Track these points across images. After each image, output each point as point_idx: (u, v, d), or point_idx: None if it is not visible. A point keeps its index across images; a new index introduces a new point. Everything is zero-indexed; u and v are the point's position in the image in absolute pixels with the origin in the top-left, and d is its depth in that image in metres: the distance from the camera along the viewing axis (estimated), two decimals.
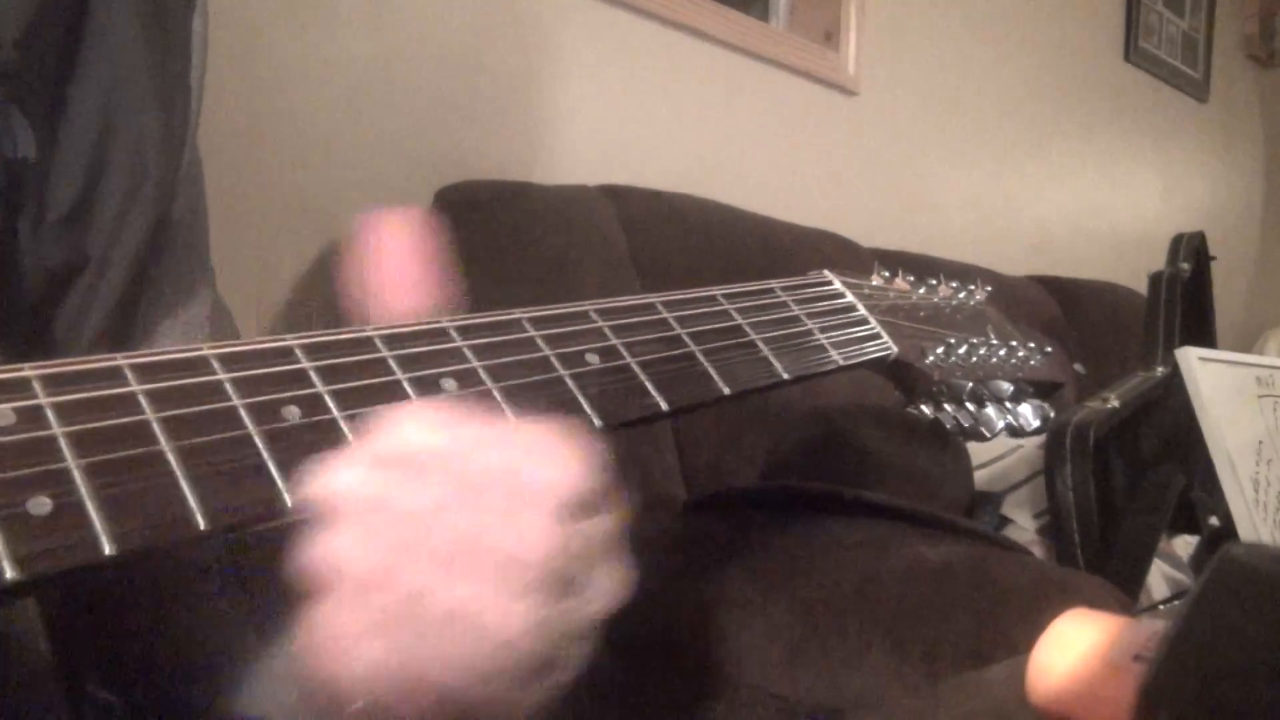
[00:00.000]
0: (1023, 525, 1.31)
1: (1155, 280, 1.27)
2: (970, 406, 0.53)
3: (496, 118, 1.36)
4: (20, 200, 0.38)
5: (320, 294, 1.18)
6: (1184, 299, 1.24)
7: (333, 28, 1.18)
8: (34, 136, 0.38)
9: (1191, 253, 1.29)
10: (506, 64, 1.37)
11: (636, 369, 0.35)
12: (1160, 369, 1.15)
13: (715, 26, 1.64)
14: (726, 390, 0.37)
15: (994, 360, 0.54)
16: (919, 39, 2.14)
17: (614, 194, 1.29)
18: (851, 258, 1.58)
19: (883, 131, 2.05)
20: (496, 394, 0.31)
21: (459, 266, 1.25)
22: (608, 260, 1.20)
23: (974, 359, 0.53)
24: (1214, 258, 1.36)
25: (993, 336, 0.56)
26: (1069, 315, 2.14)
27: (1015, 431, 0.55)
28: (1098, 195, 2.86)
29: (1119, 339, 2.06)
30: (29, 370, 0.24)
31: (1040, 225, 2.60)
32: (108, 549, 0.22)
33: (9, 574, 0.21)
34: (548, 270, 1.13)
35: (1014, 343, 0.57)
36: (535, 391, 0.32)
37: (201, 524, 0.23)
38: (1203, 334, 1.32)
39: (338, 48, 1.19)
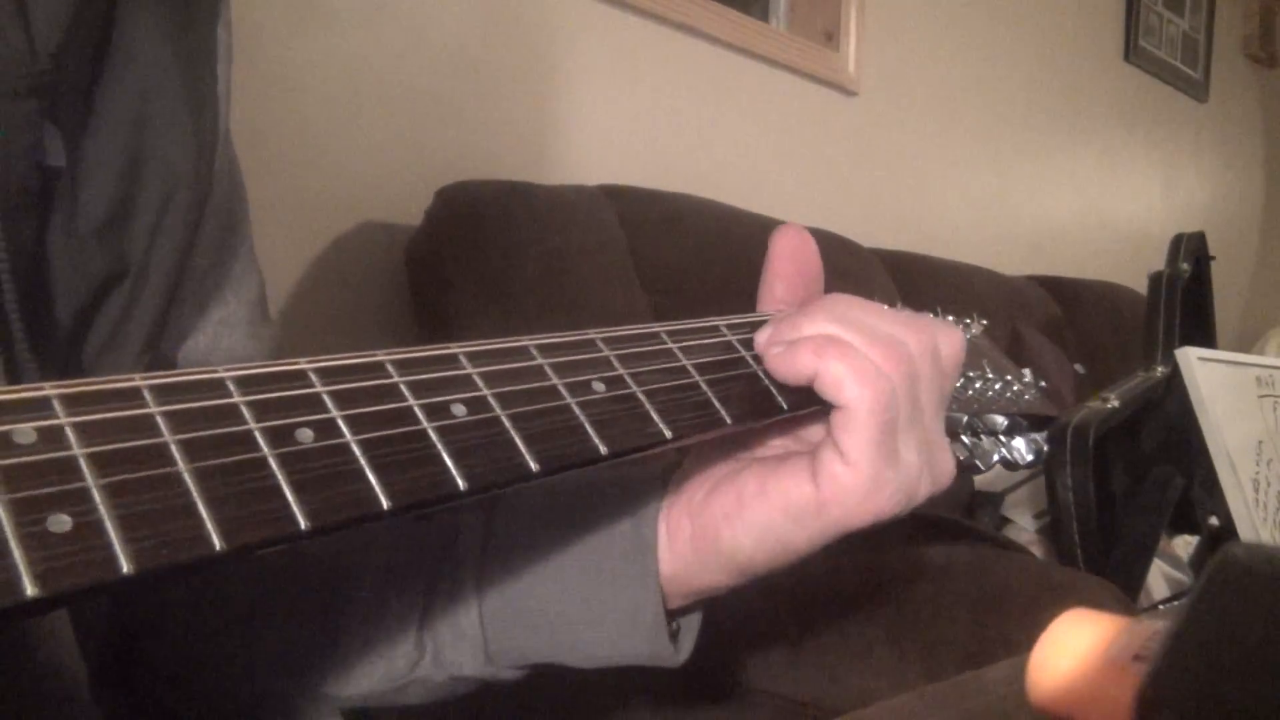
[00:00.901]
0: (1023, 525, 1.31)
1: (1155, 280, 1.27)
2: (965, 439, 0.53)
3: (496, 118, 1.36)
4: (50, 208, 0.38)
5: (320, 294, 1.18)
6: (1184, 299, 1.24)
7: (333, 28, 1.18)
8: (64, 145, 0.38)
9: (1191, 253, 1.29)
10: (507, 64, 1.37)
11: (642, 398, 0.35)
12: (1160, 369, 1.15)
13: (715, 27, 1.64)
14: (729, 421, 0.37)
15: (989, 394, 0.55)
16: (919, 39, 2.14)
17: (614, 194, 1.29)
18: (852, 258, 1.58)
19: (883, 131, 2.05)
20: (505, 420, 0.31)
21: (459, 266, 1.25)
22: (608, 260, 1.20)
23: (970, 392, 0.53)
24: (1214, 258, 1.36)
25: (988, 370, 0.56)
26: (1069, 315, 2.14)
27: (1010, 465, 0.56)
28: (1098, 195, 2.87)
29: (1119, 339, 2.06)
30: (49, 389, 0.24)
31: (1040, 225, 2.60)
32: (125, 567, 0.22)
33: (29, 590, 0.21)
34: (548, 270, 1.13)
35: (1009, 376, 0.57)
36: (542, 419, 0.32)
37: (218, 544, 0.24)
38: (1203, 334, 1.32)
39: (338, 48, 1.19)
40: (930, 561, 0.89)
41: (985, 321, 0.62)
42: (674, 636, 0.44)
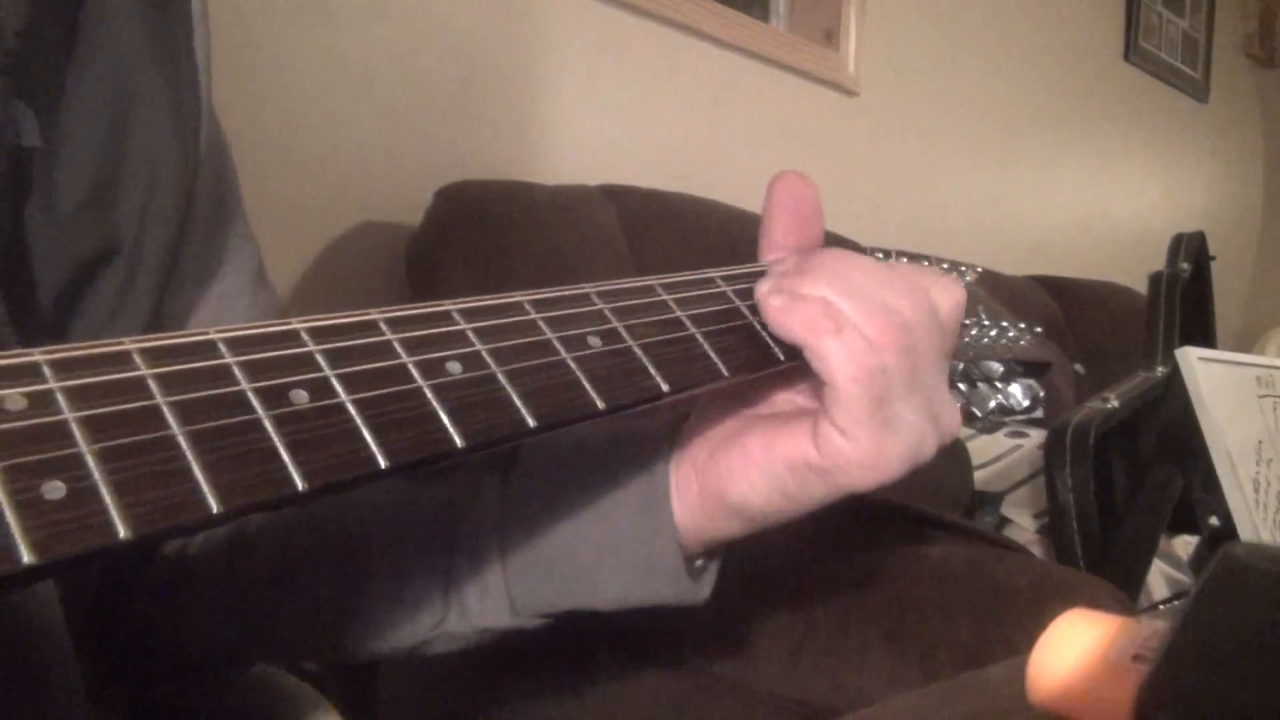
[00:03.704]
0: (1023, 525, 1.31)
1: (1155, 280, 1.27)
2: (962, 386, 0.53)
3: (496, 118, 1.36)
4: (26, 188, 0.38)
5: (320, 294, 1.18)
6: (1184, 299, 1.24)
7: (333, 27, 1.18)
8: (37, 124, 0.38)
9: (1191, 253, 1.29)
10: (506, 64, 1.37)
11: (638, 351, 0.35)
12: (1160, 369, 1.15)
13: (715, 26, 1.64)
14: (726, 373, 0.37)
15: (985, 341, 0.55)
16: (919, 39, 2.14)
17: (614, 194, 1.29)
18: None
19: (883, 131, 2.05)
20: (500, 377, 0.31)
21: (459, 267, 1.24)
22: (607, 260, 1.20)
23: (965, 339, 0.53)
24: (1214, 258, 1.36)
25: (984, 317, 0.56)
26: (1069, 315, 2.14)
27: (1006, 410, 0.56)
28: (1098, 195, 2.87)
29: (1119, 339, 2.06)
30: (38, 355, 0.24)
31: (1040, 225, 2.60)
32: (122, 532, 0.22)
33: (25, 558, 0.21)
34: (547, 271, 1.13)
35: (1004, 323, 0.57)
36: (538, 374, 0.32)
37: (214, 507, 0.24)
38: (1203, 334, 1.32)
39: (338, 47, 1.19)
40: (930, 561, 0.89)
41: (980, 269, 0.62)
42: (695, 576, 0.45)
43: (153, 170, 0.42)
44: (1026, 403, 0.57)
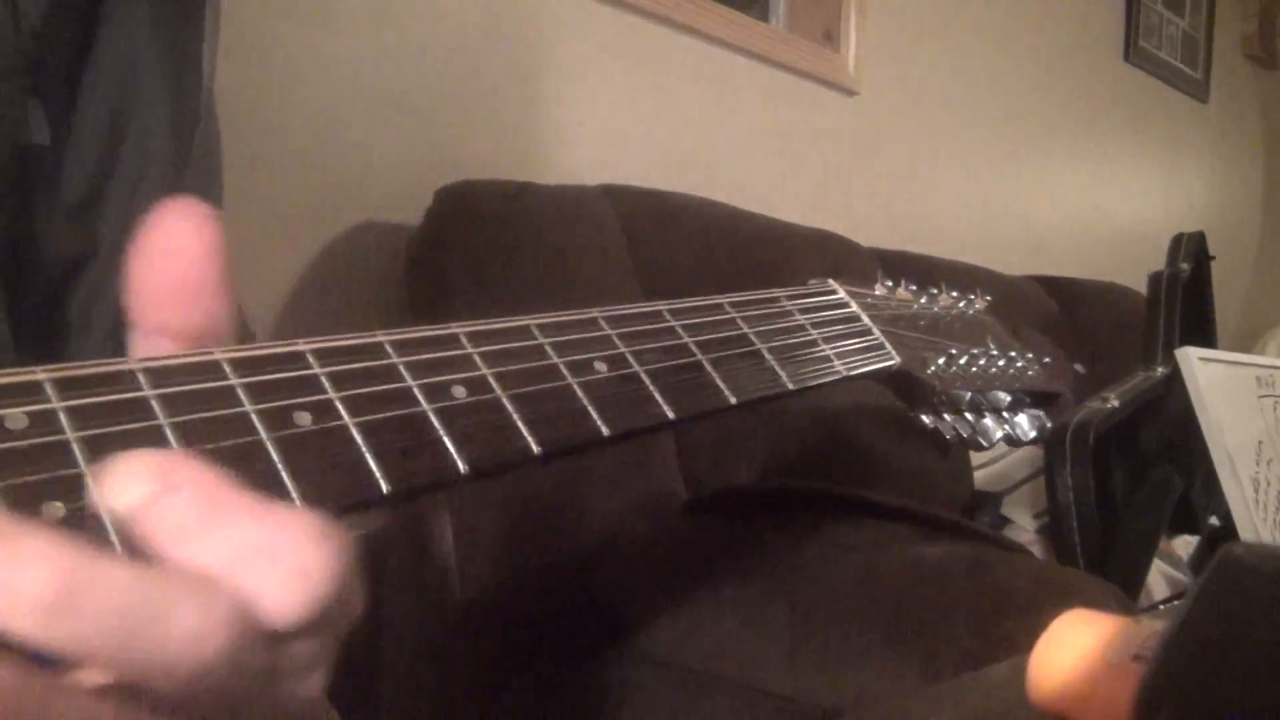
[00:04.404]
0: (1023, 525, 1.31)
1: (1155, 280, 1.27)
2: (969, 416, 0.53)
3: (496, 118, 1.36)
4: (35, 186, 0.38)
5: (320, 294, 1.18)
6: (1184, 299, 1.24)
7: (334, 28, 1.18)
8: (48, 123, 0.38)
9: (1191, 253, 1.30)
10: (506, 64, 1.37)
11: (645, 378, 0.35)
12: (1160, 369, 1.15)
13: (715, 26, 1.64)
14: (733, 400, 0.37)
15: (993, 371, 0.55)
16: (919, 39, 2.14)
17: (614, 194, 1.29)
18: (851, 258, 1.58)
19: (883, 131, 2.05)
20: (506, 402, 0.31)
21: (459, 266, 1.24)
22: (607, 260, 1.20)
23: (974, 369, 0.53)
24: (1214, 258, 1.36)
25: (992, 347, 0.56)
26: (1069, 315, 2.14)
27: (1012, 441, 0.56)
28: (1098, 195, 2.87)
29: (1119, 339, 2.06)
30: (42, 373, 0.23)
31: (1040, 225, 2.60)
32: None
33: None
34: (547, 270, 1.13)
35: (1013, 353, 0.57)
36: (544, 400, 0.32)
37: None
38: (1203, 334, 1.32)
39: (339, 48, 1.19)
40: (930, 561, 0.89)
41: (990, 297, 0.62)
42: None
43: (141, 173, 0.42)
44: (1033, 434, 0.57)
